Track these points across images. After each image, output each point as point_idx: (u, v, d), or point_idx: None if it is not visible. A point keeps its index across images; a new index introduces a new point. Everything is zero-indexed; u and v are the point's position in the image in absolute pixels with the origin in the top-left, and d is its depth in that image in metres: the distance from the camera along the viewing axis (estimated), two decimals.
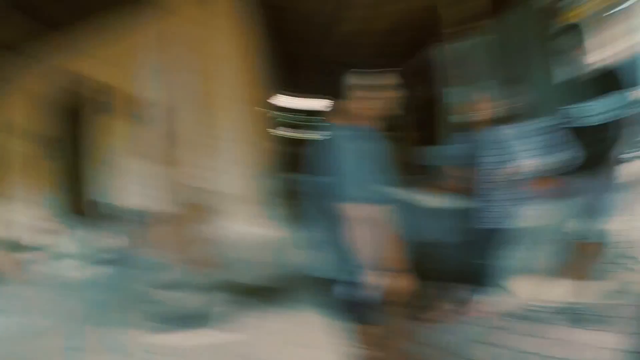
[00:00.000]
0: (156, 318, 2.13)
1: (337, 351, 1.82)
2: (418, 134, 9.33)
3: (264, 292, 2.75)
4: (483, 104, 2.66)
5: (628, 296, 2.95)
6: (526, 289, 3.26)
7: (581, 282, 2.88)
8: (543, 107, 5.89)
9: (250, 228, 4.88)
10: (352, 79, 1.77)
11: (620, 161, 2.41)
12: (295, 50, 8.74)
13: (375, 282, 1.74)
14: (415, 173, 3.37)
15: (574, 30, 2.45)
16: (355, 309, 1.87)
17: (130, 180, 4.86)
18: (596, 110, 2.44)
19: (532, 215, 3.13)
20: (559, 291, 3.16)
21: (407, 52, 8.29)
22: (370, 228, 1.69)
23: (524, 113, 3.43)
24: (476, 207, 2.80)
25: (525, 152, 2.57)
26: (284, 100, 13.93)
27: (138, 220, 4.38)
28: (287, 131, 18.03)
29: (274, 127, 17.62)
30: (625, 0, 5.85)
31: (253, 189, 5.03)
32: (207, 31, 4.90)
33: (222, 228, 4.79)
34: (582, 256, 2.80)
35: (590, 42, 2.55)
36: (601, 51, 2.49)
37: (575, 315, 2.79)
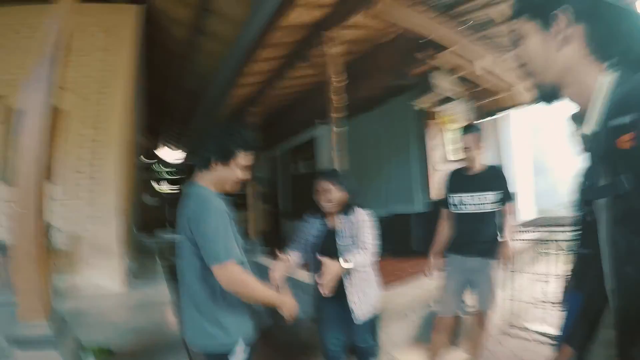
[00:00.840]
0: None
1: None
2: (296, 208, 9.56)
3: (129, 357, 2.51)
4: (331, 189, 2.53)
5: None
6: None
7: (475, 351, 2.99)
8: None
9: (112, 283, 4.51)
10: (240, 151, 1.79)
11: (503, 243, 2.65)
12: (186, 106, 8.78)
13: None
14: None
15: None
16: None
17: None
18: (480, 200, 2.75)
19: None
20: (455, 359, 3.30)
21: (297, 127, 8.72)
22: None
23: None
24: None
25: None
26: (167, 154, 13.65)
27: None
28: (165, 186, 17.47)
29: (153, 179, 16.99)
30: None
31: (118, 241, 4.67)
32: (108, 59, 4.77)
33: (81, 279, 4.40)
34: (474, 327, 2.97)
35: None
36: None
37: None
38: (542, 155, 8.58)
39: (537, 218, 5.37)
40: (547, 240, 4.42)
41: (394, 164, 6.59)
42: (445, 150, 6.40)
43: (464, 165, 2.86)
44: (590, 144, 0.84)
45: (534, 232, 4.58)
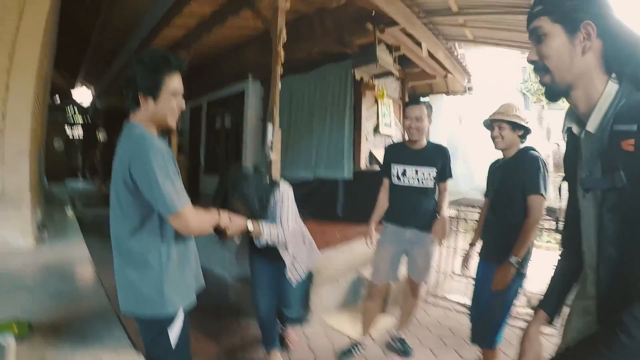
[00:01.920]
0: None
1: None
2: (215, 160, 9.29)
3: (52, 330, 2.08)
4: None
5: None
6: (349, 324, 3.42)
7: (406, 319, 3.10)
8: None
9: (21, 238, 3.88)
10: (167, 75, 1.60)
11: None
12: (112, 44, 7.95)
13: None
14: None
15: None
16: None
17: None
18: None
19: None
20: (384, 325, 3.41)
21: (226, 79, 8.36)
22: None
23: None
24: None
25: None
26: (84, 95, 12.28)
27: None
28: (79, 130, 15.89)
29: (66, 123, 15.33)
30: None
31: (29, 189, 4.04)
32: None
33: None
34: (408, 296, 3.06)
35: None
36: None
37: (403, 347, 3.05)
38: (462, 143, 9.15)
39: (460, 199, 5.73)
40: (462, 219, 4.75)
41: (326, 128, 6.60)
42: (378, 122, 6.57)
43: (408, 139, 2.91)
44: (591, 141, 0.99)
45: (453, 210, 4.87)
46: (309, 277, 2.82)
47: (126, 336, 2.05)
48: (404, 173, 2.86)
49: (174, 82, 1.61)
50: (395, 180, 2.90)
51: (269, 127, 4.02)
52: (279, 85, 4.19)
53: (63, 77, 11.39)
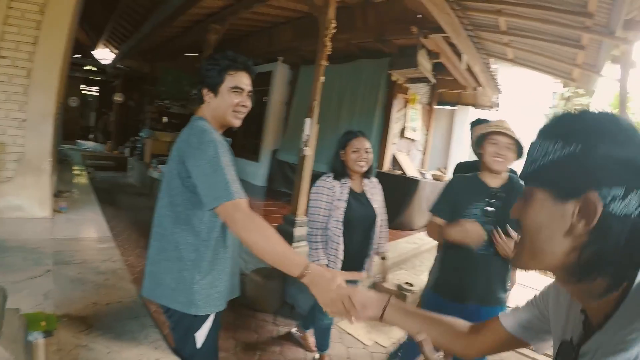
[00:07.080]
0: None
1: None
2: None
3: (81, 325, 1.97)
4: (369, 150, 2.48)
5: None
6: (363, 330, 3.42)
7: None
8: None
9: (38, 206, 3.69)
10: (227, 72, 1.62)
11: None
12: (143, 6, 7.76)
13: None
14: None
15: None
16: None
17: None
18: None
19: None
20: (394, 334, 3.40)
21: (254, 58, 8.21)
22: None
23: None
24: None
25: None
26: (105, 55, 12.03)
27: None
28: (94, 89, 15.62)
29: (82, 81, 14.95)
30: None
31: (49, 153, 3.81)
32: None
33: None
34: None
35: None
36: None
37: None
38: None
39: None
40: None
41: (353, 125, 6.39)
42: (405, 125, 6.51)
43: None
44: None
45: None
46: None
47: (162, 338, 2.00)
48: None
49: (237, 80, 1.62)
50: None
51: (307, 121, 3.91)
52: (322, 79, 4.11)
53: (86, 33, 11.19)
